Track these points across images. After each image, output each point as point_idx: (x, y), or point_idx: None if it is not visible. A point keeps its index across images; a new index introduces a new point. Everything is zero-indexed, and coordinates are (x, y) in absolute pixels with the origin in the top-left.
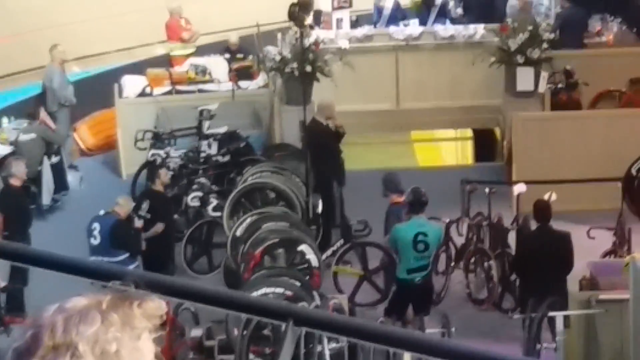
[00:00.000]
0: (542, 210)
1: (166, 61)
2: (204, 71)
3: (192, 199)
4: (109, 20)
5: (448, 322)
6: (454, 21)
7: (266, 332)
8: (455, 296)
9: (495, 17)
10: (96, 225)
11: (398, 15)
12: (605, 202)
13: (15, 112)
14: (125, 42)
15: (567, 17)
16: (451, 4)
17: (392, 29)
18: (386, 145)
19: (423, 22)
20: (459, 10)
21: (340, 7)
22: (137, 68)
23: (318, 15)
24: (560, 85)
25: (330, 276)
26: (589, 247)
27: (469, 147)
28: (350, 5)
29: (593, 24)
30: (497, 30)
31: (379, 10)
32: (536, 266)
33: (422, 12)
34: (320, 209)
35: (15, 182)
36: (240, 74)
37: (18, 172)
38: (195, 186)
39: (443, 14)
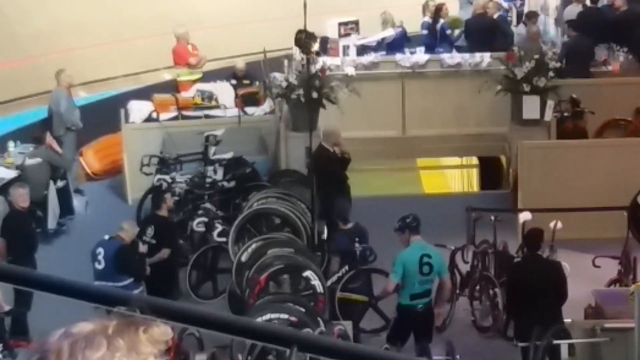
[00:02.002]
0: (534, 238)
1: (173, 86)
2: (210, 97)
3: (198, 224)
4: (116, 46)
5: (453, 350)
6: (459, 49)
7: (270, 357)
8: (460, 323)
9: (496, 44)
10: (100, 250)
11: (403, 43)
12: (610, 231)
13: (22, 137)
14: (132, 67)
15: (574, 46)
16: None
17: (399, 56)
18: (392, 172)
19: (431, 47)
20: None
21: (347, 34)
22: (143, 93)
23: (324, 42)
24: (566, 114)
25: (335, 302)
26: (594, 275)
27: (474, 174)
28: (357, 33)
29: (599, 53)
30: (503, 58)
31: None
32: (529, 294)
33: (430, 38)
34: (325, 235)
35: (20, 206)
36: (247, 99)
37: (21, 197)
38: (200, 211)
39: (445, 39)
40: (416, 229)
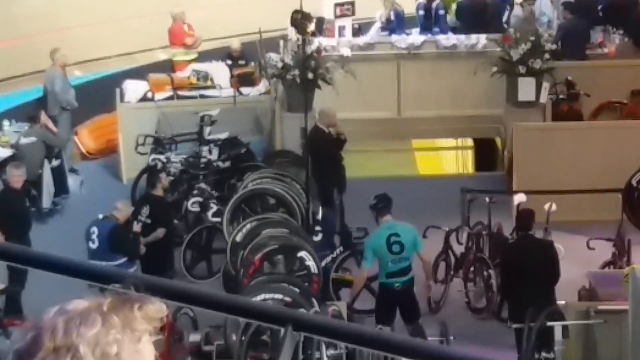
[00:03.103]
0: (525, 218)
1: (168, 66)
2: (205, 77)
3: (192, 204)
4: (111, 25)
5: (447, 331)
6: (453, 30)
7: (265, 337)
8: (454, 305)
9: (489, 25)
10: (95, 229)
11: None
12: (605, 213)
13: (17, 115)
14: (127, 46)
15: (569, 28)
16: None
17: (395, 37)
18: (387, 154)
19: (427, 28)
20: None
21: (343, 15)
22: (138, 73)
23: (320, 22)
24: (561, 96)
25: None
26: (588, 257)
27: (469, 156)
28: (353, 14)
29: (595, 35)
30: (499, 40)
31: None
32: (522, 275)
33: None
34: (320, 215)
35: (14, 185)
36: (242, 80)
37: (14, 178)
38: (195, 191)
39: (439, 20)
40: (383, 210)
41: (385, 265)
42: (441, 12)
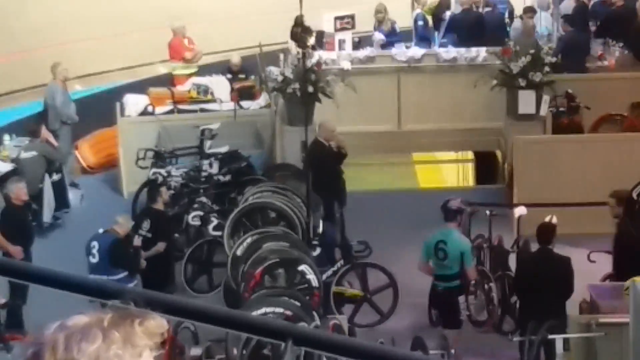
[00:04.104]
0: (545, 232)
1: (168, 80)
2: (206, 91)
3: (193, 218)
4: (112, 39)
5: (447, 344)
6: (455, 44)
7: (266, 351)
8: None
9: (484, 38)
10: (95, 244)
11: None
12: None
13: (17, 130)
14: (128, 60)
15: (569, 41)
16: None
17: (395, 50)
18: (387, 167)
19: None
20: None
21: (343, 29)
22: (139, 87)
23: (320, 36)
24: (561, 109)
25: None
26: (589, 270)
27: (470, 169)
28: (353, 27)
29: (595, 48)
30: (499, 53)
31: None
32: (536, 288)
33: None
34: (321, 229)
35: (16, 201)
36: (242, 93)
37: (21, 190)
38: (196, 205)
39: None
40: (446, 218)
41: (434, 267)
42: (420, 22)
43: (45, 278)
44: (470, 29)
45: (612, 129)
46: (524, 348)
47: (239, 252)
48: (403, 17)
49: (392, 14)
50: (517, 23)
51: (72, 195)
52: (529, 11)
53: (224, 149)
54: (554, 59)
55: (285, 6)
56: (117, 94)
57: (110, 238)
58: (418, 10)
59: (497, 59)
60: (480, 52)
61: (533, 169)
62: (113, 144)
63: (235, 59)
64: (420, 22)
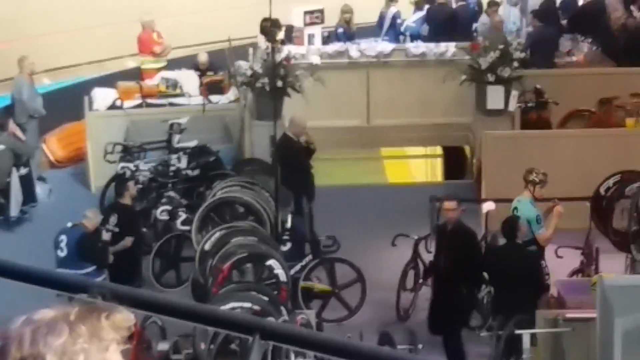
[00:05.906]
0: (510, 227)
1: (137, 74)
2: (174, 85)
3: (161, 213)
4: (80, 33)
5: (415, 339)
6: (424, 39)
7: (234, 346)
8: (423, 313)
9: (456, 32)
10: (63, 238)
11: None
12: (573, 222)
13: None
14: (96, 54)
15: (538, 36)
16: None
17: (364, 45)
18: (356, 162)
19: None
20: (425, 27)
21: (312, 23)
22: (107, 81)
23: (290, 30)
24: (530, 104)
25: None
26: (556, 266)
27: (438, 164)
28: (322, 22)
29: (564, 43)
30: (468, 48)
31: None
32: (503, 283)
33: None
34: (289, 224)
35: None
36: (211, 88)
37: None
38: (164, 200)
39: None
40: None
41: None
42: (398, 20)
43: (11, 272)
44: (444, 23)
45: (580, 124)
46: (492, 342)
47: (207, 247)
48: (369, 13)
49: (357, 8)
50: (484, 18)
51: (40, 189)
52: (493, 5)
53: (192, 144)
54: (522, 55)
55: (254, 0)
56: (85, 87)
57: (78, 232)
58: (394, 9)
59: (466, 54)
60: (449, 47)
61: (501, 164)
62: (81, 138)
63: (203, 57)
64: (399, 20)
